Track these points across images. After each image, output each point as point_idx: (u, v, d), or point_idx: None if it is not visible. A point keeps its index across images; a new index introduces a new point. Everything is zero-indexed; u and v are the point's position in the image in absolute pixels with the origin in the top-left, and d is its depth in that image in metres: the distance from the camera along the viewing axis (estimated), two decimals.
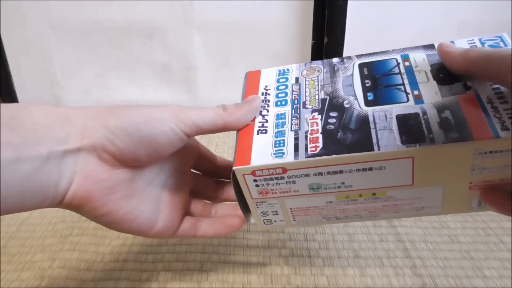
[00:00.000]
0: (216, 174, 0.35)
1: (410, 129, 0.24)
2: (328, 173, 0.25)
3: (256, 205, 0.28)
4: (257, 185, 0.27)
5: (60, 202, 0.24)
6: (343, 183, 0.26)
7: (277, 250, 0.39)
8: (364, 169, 0.24)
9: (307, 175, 0.25)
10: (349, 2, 0.58)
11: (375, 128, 0.24)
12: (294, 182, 0.26)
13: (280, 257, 0.38)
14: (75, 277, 0.36)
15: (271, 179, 0.26)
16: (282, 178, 0.26)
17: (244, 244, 0.39)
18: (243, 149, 0.26)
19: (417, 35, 0.61)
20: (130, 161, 0.25)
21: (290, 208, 0.28)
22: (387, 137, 0.24)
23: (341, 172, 0.25)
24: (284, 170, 0.25)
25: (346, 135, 0.25)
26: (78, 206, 0.24)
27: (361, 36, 0.62)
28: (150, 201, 0.28)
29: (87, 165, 0.24)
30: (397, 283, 0.35)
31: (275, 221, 0.30)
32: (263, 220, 0.30)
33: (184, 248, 0.39)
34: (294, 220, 0.30)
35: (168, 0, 0.60)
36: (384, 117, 0.25)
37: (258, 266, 0.37)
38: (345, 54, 0.62)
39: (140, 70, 0.66)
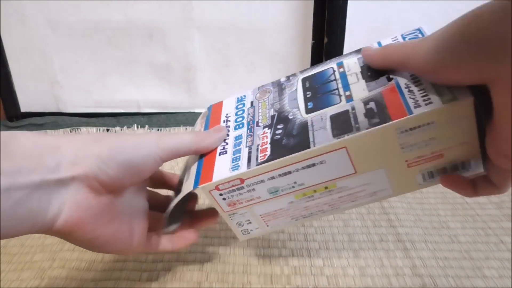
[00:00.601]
0: (165, 186, 0.36)
1: (340, 124, 0.26)
2: (279, 175, 0.28)
3: (230, 217, 0.31)
4: (223, 198, 0.29)
5: (49, 229, 0.24)
6: (295, 182, 0.28)
7: (277, 250, 0.39)
8: (308, 166, 0.27)
9: (262, 181, 0.28)
10: (349, 2, 0.58)
11: (313, 130, 0.27)
12: (254, 189, 0.29)
13: (280, 257, 0.38)
14: (75, 277, 0.36)
15: (233, 190, 0.29)
16: (242, 188, 0.29)
17: (244, 244, 0.39)
18: (207, 169, 0.29)
19: None
20: (115, 187, 0.27)
21: (260, 215, 0.31)
22: (321, 135, 0.26)
23: (289, 172, 0.28)
24: (242, 180, 0.28)
25: (289, 140, 0.28)
26: (69, 233, 0.25)
27: (361, 36, 0.62)
28: (127, 221, 0.29)
29: (78, 194, 0.25)
30: (397, 283, 0.35)
31: (251, 230, 0.32)
32: (241, 231, 0.32)
33: (184, 248, 0.39)
34: (268, 226, 0.32)
35: (168, 0, 0.60)
36: (320, 120, 0.27)
37: (258, 266, 0.37)
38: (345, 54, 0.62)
39: (140, 70, 0.66)
